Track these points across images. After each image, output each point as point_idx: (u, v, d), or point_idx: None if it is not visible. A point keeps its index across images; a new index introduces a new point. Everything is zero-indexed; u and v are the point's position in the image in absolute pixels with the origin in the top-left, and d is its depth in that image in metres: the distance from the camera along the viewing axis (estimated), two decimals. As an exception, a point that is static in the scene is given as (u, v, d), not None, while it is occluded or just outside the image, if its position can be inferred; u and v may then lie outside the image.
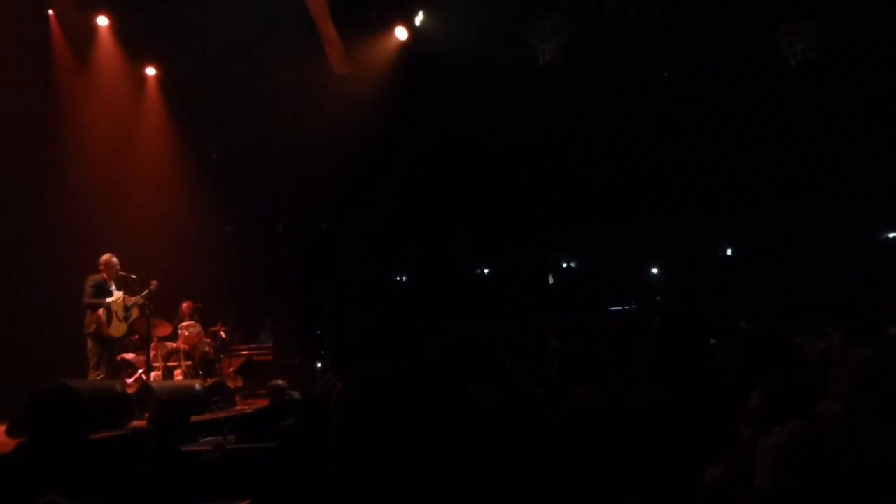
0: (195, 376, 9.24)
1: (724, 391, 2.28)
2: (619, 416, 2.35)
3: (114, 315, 8.05)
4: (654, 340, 2.66)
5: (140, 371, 8.89)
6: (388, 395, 1.05)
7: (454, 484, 1.03)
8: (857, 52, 13.19)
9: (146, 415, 5.75)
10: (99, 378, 7.80)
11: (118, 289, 8.30)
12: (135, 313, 8.40)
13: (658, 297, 17.38)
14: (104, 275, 8.19)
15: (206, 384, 8.44)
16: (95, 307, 7.99)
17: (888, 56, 13.20)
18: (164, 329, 9.59)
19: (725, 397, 2.22)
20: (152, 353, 9.10)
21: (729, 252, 18.31)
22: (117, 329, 8.12)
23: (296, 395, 7.08)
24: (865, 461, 1.22)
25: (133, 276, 8.44)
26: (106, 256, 8.28)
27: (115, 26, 10.95)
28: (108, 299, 8.08)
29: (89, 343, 7.99)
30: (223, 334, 10.82)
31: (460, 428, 1.06)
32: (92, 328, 7.97)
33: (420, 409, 1.04)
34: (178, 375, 9.52)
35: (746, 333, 2.49)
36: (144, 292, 8.43)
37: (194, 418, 5.48)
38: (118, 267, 8.30)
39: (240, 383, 10.46)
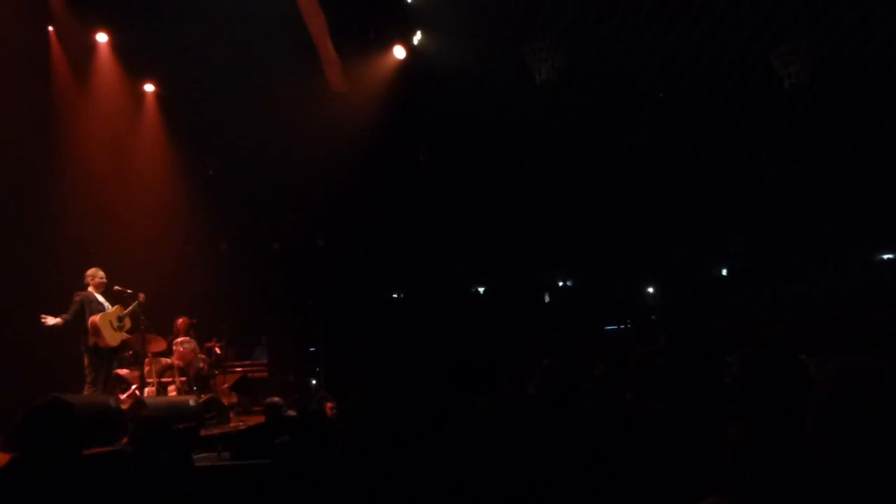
0: (189, 392, 9.18)
1: (732, 408, 2.27)
2: (623, 431, 2.35)
3: (108, 324, 8.01)
4: (662, 356, 2.64)
5: (134, 387, 8.84)
6: (394, 405, 1.05)
7: (461, 493, 1.03)
8: (850, 74, 13.32)
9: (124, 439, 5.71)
10: (95, 393, 7.74)
11: (109, 301, 8.24)
12: (127, 324, 8.34)
13: (653, 317, 17.40)
14: (91, 289, 8.14)
15: (201, 400, 8.39)
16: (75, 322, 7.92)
17: (882, 77, 13.34)
18: (159, 345, 9.55)
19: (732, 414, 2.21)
20: (146, 368, 9.05)
21: (724, 272, 18.35)
22: (112, 338, 8.05)
23: (292, 412, 7.04)
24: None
25: (129, 291, 8.41)
26: (92, 270, 8.22)
27: (115, 43, 11.02)
28: (100, 314, 8.02)
29: (85, 358, 7.94)
30: (218, 350, 10.77)
31: (466, 437, 1.06)
32: (91, 342, 7.91)
33: (426, 418, 1.04)
34: (172, 391, 9.48)
35: (754, 351, 2.45)
36: (133, 304, 8.37)
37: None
38: (104, 280, 8.23)
39: (234, 400, 10.40)
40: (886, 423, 1.16)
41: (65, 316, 7.80)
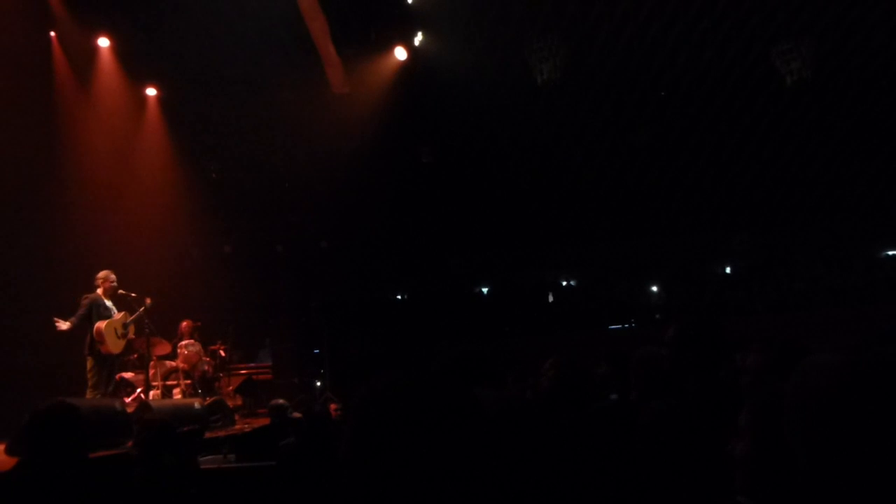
0: (194, 395, 9.21)
1: (738, 402, 2.27)
2: (627, 430, 2.35)
3: (113, 331, 8.01)
4: (669, 350, 2.63)
5: (139, 390, 8.86)
6: (399, 406, 1.06)
7: (466, 493, 1.03)
8: (852, 71, 13.30)
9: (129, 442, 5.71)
10: (98, 396, 7.75)
11: (115, 306, 8.25)
12: (131, 331, 8.33)
13: (657, 315, 17.36)
14: (100, 291, 8.14)
15: (206, 403, 8.40)
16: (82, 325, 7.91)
17: (883, 74, 13.32)
18: (164, 348, 9.56)
19: (739, 409, 2.21)
20: (151, 371, 9.07)
21: (728, 270, 18.31)
22: (115, 345, 8.06)
23: (297, 414, 7.05)
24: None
25: (133, 295, 8.40)
26: (103, 273, 8.19)
27: (116, 47, 11.04)
28: (106, 320, 8.02)
29: (88, 362, 7.94)
30: (223, 353, 10.78)
31: (471, 437, 1.06)
32: (94, 346, 7.92)
33: (431, 419, 1.04)
34: (177, 394, 9.50)
35: (768, 345, 2.46)
36: (140, 309, 8.35)
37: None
38: (115, 284, 8.23)
39: (239, 402, 10.41)
40: (841, 417, 1.17)
41: (73, 320, 7.80)
